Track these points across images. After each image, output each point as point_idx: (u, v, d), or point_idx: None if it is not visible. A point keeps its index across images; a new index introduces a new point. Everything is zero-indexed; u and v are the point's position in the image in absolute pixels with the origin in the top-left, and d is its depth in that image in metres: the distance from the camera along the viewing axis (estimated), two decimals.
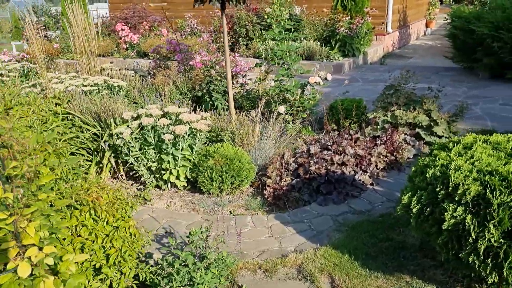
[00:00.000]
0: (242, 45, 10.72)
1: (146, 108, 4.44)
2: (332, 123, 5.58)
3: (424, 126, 5.13)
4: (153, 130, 4.25)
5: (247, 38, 10.82)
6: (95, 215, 2.30)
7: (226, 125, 4.85)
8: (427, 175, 2.52)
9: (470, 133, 5.32)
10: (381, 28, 12.28)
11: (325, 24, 10.17)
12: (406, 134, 5.01)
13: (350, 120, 5.46)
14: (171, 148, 4.15)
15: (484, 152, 2.52)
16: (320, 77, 5.40)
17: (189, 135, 4.25)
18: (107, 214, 2.30)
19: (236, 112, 5.25)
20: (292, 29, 5.13)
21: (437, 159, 2.59)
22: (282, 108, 5.09)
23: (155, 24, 13.53)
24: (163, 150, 4.19)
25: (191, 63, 6.43)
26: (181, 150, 4.24)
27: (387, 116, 5.19)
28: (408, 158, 4.80)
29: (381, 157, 4.61)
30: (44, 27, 17.37)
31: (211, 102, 5.81)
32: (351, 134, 5.09)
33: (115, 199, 2.51)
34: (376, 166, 4.51)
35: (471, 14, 7.54)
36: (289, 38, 5.20)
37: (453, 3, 21.55)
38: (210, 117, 5.05)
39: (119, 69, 6.60)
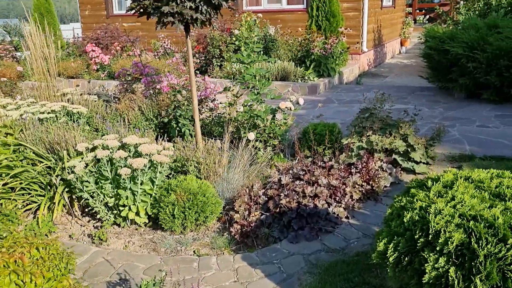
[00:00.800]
0: (216, 66, 10.47)
1: (103, 139, 4.09)
2: (305, 149, 5.31)
3: (401, 152, 4.90)
4: (110, 163, 3.90)
5: (221, 59, 10.58)
6: (18, 278, 1.95)
7: (192, 154, 4.53)
8: (404, 219, 2.24)
9: (448, 159, 5.15)
10: (356, 47, 12.21)
11: (299, 44, 10.00)
12: (382, 161, 4.77)
13: (324, 146, 5.20)
14: (129, 183, 3.81)
15: (466, 192, 2.26)
16: (292, 101, 5.14)
17: (149, 168, 3.92)
18: (32, 277, 1.94)
19: (205, 140, 4.94)
20: (262, 51, 4.86)
21: (415, 200, 2.32)
22: (251, 135, 4.80)
23: (128, 44, 13.21)
24: (121, 185, 3.84)
25: (158, 86, 6.11)
26: (141, 185, 3.90)
27: (362, 142, 4.95)
28: (385, 186, 4.55)
29: (357, 186, 4.34)
30: (14, 48, 16.88)
31: (178, 129, 5.49)
32: (325, 162, 4.82)
33: (48, 255, 2.16)
34: (351, 197, 4.24)
35: (445, 34, 7.44)
36: (258, 61, 4.94)
37: (427, 22, 21.84)
38: (175, 145, 4.73)
39: (81, 94, 6.24)
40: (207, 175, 4.36)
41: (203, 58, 10.84)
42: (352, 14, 12.14)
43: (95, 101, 6.04)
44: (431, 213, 2.16)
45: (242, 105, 5.04)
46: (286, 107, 4.90)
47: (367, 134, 4.97)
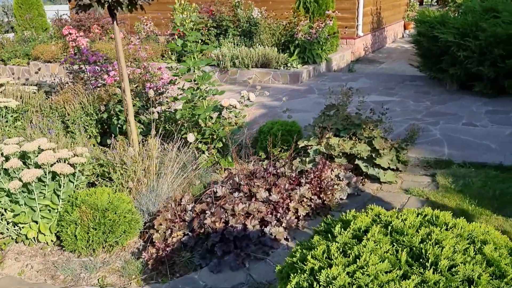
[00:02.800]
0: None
1: (5, 143, 3.50)
2: (261, 151, 4.68)
3: (365, 158, 4.25)
4: (5, 173, 3.32)
5: (202, 43, 9.89)
6: None
7: (118, 159, 3.93)
8: (289, 286, 1.62)
9: (422, 164, 4.48)
10: (345, 31, 11.42)
11: (284, 28, 9.27)
12: (342, 167, 4.11)
13: (280, 148, 4.56)
14: (23, 198, 3.22)
15: (376, 250, 1.62)
16: (243, 96, 4.48)
17: (53, 179, 3.32)
18: None
19: (141, 142, 4.34)
20: (200, 40, 4.21)
21: (309, 256, 1.69)
22: (191, 137, 4.18)
23: (110, 26, 12.56)
24: (16, 199, 3.26)
25: (105, 77, 5.49)
26: (43, 198, 3.31)
27: (321, 145, 4.30)
28: (341, 199, 3.91)
29: (305, 200, 3.71)
30: (11, 28, 16.36)
31: (119, 126, 4.89)
32: (276, 168, 4.19)
33: None
34: (296, 213, 3.61)
35: (436, 19, 6.67)
36: (197, 50, 4.28)
37: (436, 4, 20.77)
38: (115, 146, 4.14)
39: (24, 84, 5.65)
40: (132, 186, 3.77)
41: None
42: None
43: (34, 93, 5.44)
44: (321, 282, 1.54)
45: (183, 101, 4.40)
46: (230, 105, 4.25)
47: (327, 136, 4.31)
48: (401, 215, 1.84)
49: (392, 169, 4.41)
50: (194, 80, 4.21)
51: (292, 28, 9.04)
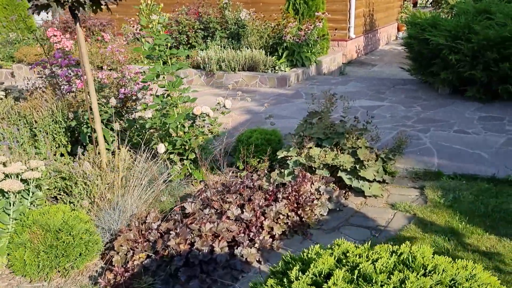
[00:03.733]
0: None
1: None
2: (239, 162, 4.39)
3: (348, 170, 3.96)
4: None
5: (189, 45, 9.61)
6: None
7: (80, 172, 3.63)
8: None
9: (411, 175, 4.20)
10: (341, 33, 11.18)
11: (272, 30, 8.98)
12: (323, 180, 3.82)
13: (259, 159, 4.27)
14: None
15: None
16: (219, 103, 4.19)
17: (4, 196, 3.02)
18: None
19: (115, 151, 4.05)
20: (169, 45, 3.91)
21: None
22: (161, 147, 3.88)
23: (96, 28, 12.26)
24: None
25: (77, 82, 5.18)
26: None
27: (301, 156, 4.01)
28: (321, 215, 3.62)
29: (281, 217, 3.42)
30: None
31: (89, 134, 4.59)
32: (254, 180, 3.90)
33: None
34: (270, 232, 3.32)
35: (427, 21, 6.40)
36: (166, 56, 3.97)
37: (430, 5, 20.55)
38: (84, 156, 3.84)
39: None
40: (93, 201, 3.47)
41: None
42: None
43: (0, 99, 5.13)
44: None
45: (155, 109, 4.09)
46: (202, 113, 3.95)
47: (308, 146, 4.02)
48: (372, 254, 1.55)
49: (379, 181, 4.13)
50: (164, 87, 3.90)
51: (280, 30, 8.76)
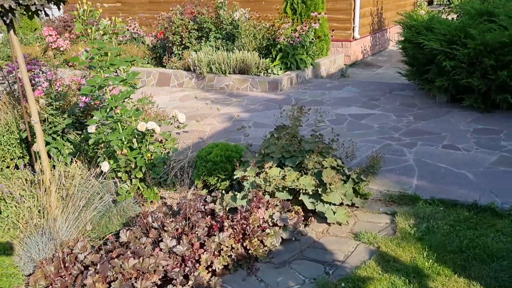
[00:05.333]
0: (177, 54, 9.16)
1: None
2: (198, 180, 4.04)
3: (310, 193, 3.57)
4: None
5: (182, 46, 9.27)
6: None
7: (7, 191, 3.33)
8: None
9: (385, 198, 3.79)
10: (346, 33, 10.74)
11: (266, 31, 8.57)
12: (279, 205, 3.45)
13: (217, 177, 3.91)
14: None
15: None
16: (173, 116, 3.84)
17: None
18: None
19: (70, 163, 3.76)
20: (108, 53, 3.57)
21: None
22: (105, 165, 3.56)
23: (93, 28, 12.04)
24: None
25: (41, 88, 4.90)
26: None
27: (259, 177, 3.63)
28: (274, 246, 3.24)
29: (224, 249, 3.06)
30: None
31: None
32: (206, 202, 3.56)
33: None
34: (209, 267, 2.97)
35: (422, 24, 5.92)
36: (105, 66, 3.61)
37: (447, 2, 19.78)
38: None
39: None
40: (22, 224, 3.17)
41: (160, 46, 9.59)
42: None
43: None
44: None
45: (97, 124, 3.76)
46: (147, 129, 3.60)
47: (268, 166, 3.64)
48: None
49: (348, 205, 3.74)
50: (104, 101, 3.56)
51: (275, 31, 8.36)
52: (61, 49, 10.72)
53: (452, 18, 6.79)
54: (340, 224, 3.53)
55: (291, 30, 8.22)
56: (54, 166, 4.25)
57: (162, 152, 3.85)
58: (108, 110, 3.57)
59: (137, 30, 11.21)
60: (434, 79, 5.84)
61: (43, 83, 4.80)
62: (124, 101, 3.73)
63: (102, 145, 3.74)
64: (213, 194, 3.71)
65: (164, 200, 4.10)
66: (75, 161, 4.30)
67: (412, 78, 6.61)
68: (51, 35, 10.98)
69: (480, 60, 5.29)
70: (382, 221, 3.56)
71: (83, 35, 3.51)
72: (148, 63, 9.65)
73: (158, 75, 8.75)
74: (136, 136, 3.65)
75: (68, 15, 12.58)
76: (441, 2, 21.23)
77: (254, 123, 5.95)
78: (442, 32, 5.48)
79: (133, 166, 3.64)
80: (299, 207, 3.72)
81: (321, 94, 7.33)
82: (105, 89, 3.53)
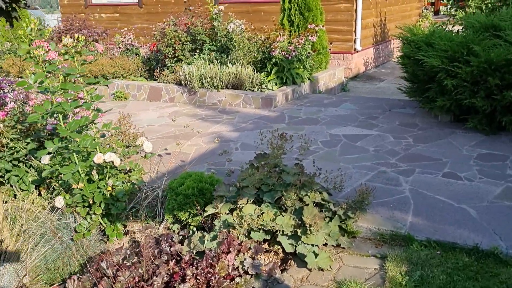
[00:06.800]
0: (170, 67, 8.82)
1: None
2: (169, 214, 3.65)
3: (289, 234, 3.17)
4: None
5: (175, 59, 8.94)
6: None
7: None
8: None
9: (375, 237, 3.38)
10: (347, 45, 10.39)
11: (262, 44, 8.22)
12: (253, 249, 3.05)
13: (188, 212, 3.52)
14: None
15: None
16: (140, 145, 3.46)
17: None
18: None
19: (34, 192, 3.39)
20: (60, 76, 3.21)
21: None
22: (59, 200, 3.19)
23: (89, 39, 11.78)
24: None
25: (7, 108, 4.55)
26: None
27: (232, 215, 3.24)
28: None
29: None
30: None
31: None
32: (173, 242, 3.18)
33: None
34: None
35: (422, 38, 5.52)
36: (58, 90, 3.23)
37: (456, 10, 19.28)
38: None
39: None
40: None
41: (153, 58, 9.27)
42: (344, 6, 10.31)
43: None
44: None
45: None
46: (105, 161, 3.22)
47: (241, 202, 3.25)
48: None
49: (333, 245, 3.33)
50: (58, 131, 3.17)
51: (270, 44, 7.99)
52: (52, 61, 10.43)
53: (458, 30, 6.39)
54: (322, 270, 3.12)
55: (287, 43, 7.85)
56: (15, 195, 3.90)
57: (127, 184, 3.47)
58: (60, 138, 3.20)
59: (131, 42, 10.91)
60: (435, 98, 5.43)
61: (9, 103, 4.46)
62: (84, 128, 3.36)
63: (59, 176, 3.37)
64: (181, 232, 3.32)
65: (132, 235, 3.72)
66: (39, 190, 3.94)
67: (412, 96, 6.21)
68: (42, 47, 10.71)
69: (484, 78, 4.88)
70: (371, 266, 3.14)
71: (30, 57, 3.15)
72: (140, 75, 9.33)
73: (149, 89, 8.41)
74: (96, 168, 3.28)
75: (64, 25, 12.34)
76: (448, 13, 20.78)
77: (241, 144, 5.57)
78: (443, 48, 5.08)
79: (91, 202, 3.27)
80: (279, 247, 3.33)
81: (316, 112, 6.94)
82: (58, 116, 3.16)
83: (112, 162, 3.20)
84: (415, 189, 4.04)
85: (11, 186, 3.91)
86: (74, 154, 3.17)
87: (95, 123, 3.50)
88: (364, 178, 4.32)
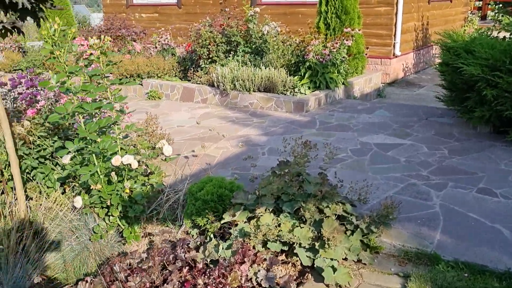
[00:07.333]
0: (204, 68, 8.84)
1: None
2: (187, 219, 3.61)
3: (306, 247, 3.05)
4: None
5: (209, 60, 8.94)
6: None
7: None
8: None
9: (399, 254, 3.22)
10: (385, 49, 10.12)
11: (296, 47, 8.10)
12: (268, 260, 2.95)
13: (207, 218, 3.46)
14: None
15: None
16: (159, 148, 3.43)
17: None
18: None
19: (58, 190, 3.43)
20: (81, 76, 3.21)
21: None
22: (78, 201, 3.20)
23: (128, 38, 11.99)
24: None
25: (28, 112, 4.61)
26: None
27: (249, 224, 3.15)
28: None
29: None
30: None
31: (27, 172, 4.01)
32: (189, 248, 3.13)
33: None
34: None
35: (461, 45, 5.26)
36: (78, 92, 3.23)
37: (502, 16, 18.54)
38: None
39: None
40: None
41: (188, 58, 9.31)
42: (384, 9, 10.04)
43: None
44: None
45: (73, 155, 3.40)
46: (122, 163, 3.20)
47: (259, 211, 3.15)
48: None
49: (354, 260, 3.19)
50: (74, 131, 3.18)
51: (304, 47, 7.86)
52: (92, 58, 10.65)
53: (504, 37, 6.07)
54: (340, 286, 2.99)
55: (322, 46, 7.70)
56: (40, 192, 3.95)
57: (147, 187, 3.45)
58: (79, 139, 3.20)
59: (168, 41, 11.01)
60: (474, 108, 5.16)
61: (40, 101, 4.54)
62: (107, 129, 3.36)
63: (79, 176, 3.38)
64: (199, 238, 3.27)
65: (151, 238, 3.70)
66: (64, 188, 3.98)
67: (450, 105, 5.94)
68: (83, 45, 10.95)
69: None
70: (392, 285, 2.98)
71: (50, 57, 3.17)
72: (175, 75, 9.39)
73: (182, 89, 8.44)
74: (115, 169, 3.27)
75: (105, 24, 12.61)
76: (495, 18, 19.97)
77: (269, 149, 5.48)
78: (484, 56, 4.82)
79: (109, 203, 3.26)
80: (297, 259, 3.22)
81: (349, 118, 6.76)
82: (79, 116, 3.17)
83: (130, 164, 3.19)
84: (446, 205, 3.83)
85: (37, 183, 3.97)
86: (94, 155, 3.17)
87: (118, 124, 3.50)
88: (392, 190, 4.14)
